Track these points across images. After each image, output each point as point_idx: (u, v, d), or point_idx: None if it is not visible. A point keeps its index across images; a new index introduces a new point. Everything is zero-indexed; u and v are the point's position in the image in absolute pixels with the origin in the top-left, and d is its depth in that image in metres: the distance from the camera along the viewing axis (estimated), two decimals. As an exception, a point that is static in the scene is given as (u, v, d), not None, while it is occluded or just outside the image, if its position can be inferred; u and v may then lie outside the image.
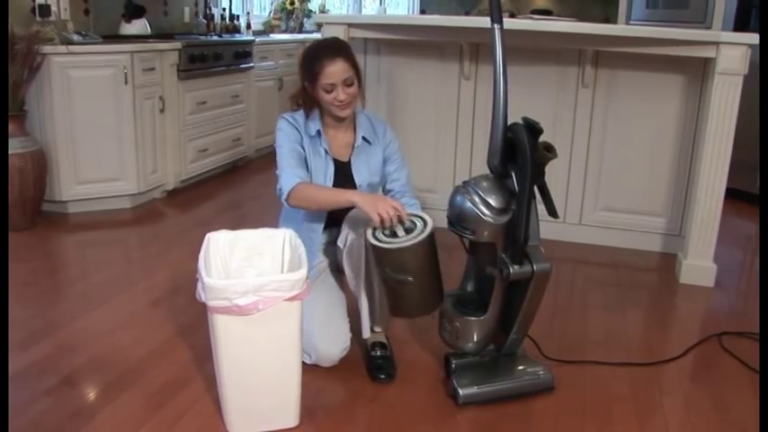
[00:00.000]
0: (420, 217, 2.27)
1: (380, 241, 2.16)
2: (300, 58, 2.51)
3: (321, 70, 2.37)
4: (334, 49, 2.42)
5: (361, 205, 2.23)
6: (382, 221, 2.16)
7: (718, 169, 3.22)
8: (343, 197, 2.31)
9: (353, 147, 2.53)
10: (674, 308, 3.20)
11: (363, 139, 2.54)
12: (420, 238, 2.15)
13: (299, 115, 2.52)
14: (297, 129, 2.49)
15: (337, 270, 2.56)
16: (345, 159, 2.53)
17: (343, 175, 2.51)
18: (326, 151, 2.49)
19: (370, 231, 2.20)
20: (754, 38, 3.05)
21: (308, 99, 2.49)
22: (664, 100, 3.64)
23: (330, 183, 2.48)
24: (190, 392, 2.29)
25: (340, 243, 2.39)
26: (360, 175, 2.53)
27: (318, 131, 2.49)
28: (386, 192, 2.60)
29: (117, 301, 3.00)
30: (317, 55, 2.41)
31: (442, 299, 2.32)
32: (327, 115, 2.49)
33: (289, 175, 2.40)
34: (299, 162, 2.45)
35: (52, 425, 2.10)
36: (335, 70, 2.36)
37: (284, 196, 2.39)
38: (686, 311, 3.16)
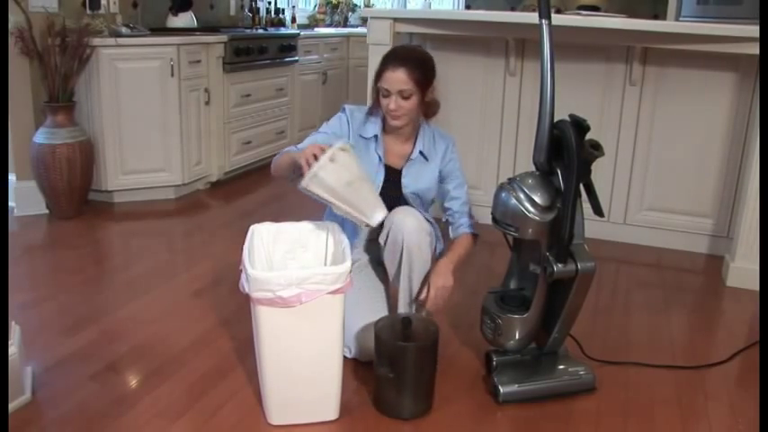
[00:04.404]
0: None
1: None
2: None
3: (382, 74, 2.35)
4: (403, 57, 2.37)
5: (297, 159, 2.16)
6: (308, 162, 2.07)
7: (770, 170, 3.15)
8: (292, 156, 2.25)
9: (408, 158, 2.50)
10: (721, 311, 3.13)
11: (420, 153, 2.50)
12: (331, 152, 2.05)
13: (361, 111, 2.50)
14: (348, 125, 2.48)
15: (379, 264, 2.55)
16: (398, 167, 2.51)
17: (393, 182, 2.49)
18: (380, 158, 2.47)
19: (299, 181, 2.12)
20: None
21: (376, 99, 2.46)
22: (714, 98, 3.56)
23: (378, 189, 2.42)
24: (230, 383, 2.31)
25: (381, 240, 2.38)
26: (408, 184, 2.50)
27: (376, 136, 2.47)
28: (444, 210, 2.57)
29: (160, 291, 3.04)
30: (386, 58, 2.39)
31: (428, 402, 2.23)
32: (387, 122, 2.46)
33: (290, 147, 2.41)
34: None
35: (97, 409, 2.14)
36: (393, 78, 2.32)
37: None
38: (733, 315, 3.10)
